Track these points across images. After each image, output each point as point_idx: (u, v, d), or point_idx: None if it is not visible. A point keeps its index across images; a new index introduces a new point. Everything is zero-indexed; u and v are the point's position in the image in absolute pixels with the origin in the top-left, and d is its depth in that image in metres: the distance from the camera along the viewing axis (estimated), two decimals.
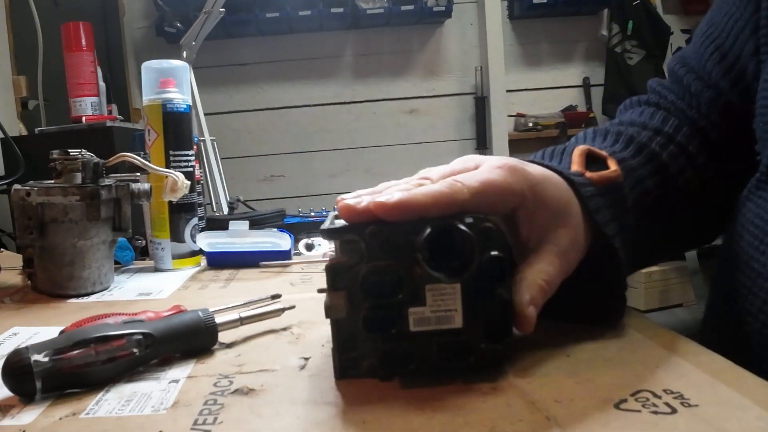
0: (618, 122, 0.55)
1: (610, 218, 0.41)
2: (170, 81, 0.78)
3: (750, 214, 0.47)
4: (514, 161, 0.39)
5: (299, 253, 0.83)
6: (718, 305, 0.53)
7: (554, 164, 0.43)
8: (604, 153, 0.46)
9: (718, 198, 0.52)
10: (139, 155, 0.71)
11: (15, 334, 0.50)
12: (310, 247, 0.83)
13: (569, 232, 0.39)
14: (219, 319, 0.44)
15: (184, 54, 1.33)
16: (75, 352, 0.36)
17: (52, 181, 0.66)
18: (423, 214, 0.34)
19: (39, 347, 0.36)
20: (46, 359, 0.35)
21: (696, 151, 0.51)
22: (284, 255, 0.77)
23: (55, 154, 0.65)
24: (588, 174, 0.43)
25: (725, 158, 0.52)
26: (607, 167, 0.44)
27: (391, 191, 0.36)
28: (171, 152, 0.77)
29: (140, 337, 0.39)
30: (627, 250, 0.41)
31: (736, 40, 0.49)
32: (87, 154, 0.66)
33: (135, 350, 0.38)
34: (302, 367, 0.40)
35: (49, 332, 0.47)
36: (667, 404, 0.31)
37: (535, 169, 0.39)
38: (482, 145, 2.69)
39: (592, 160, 0.45)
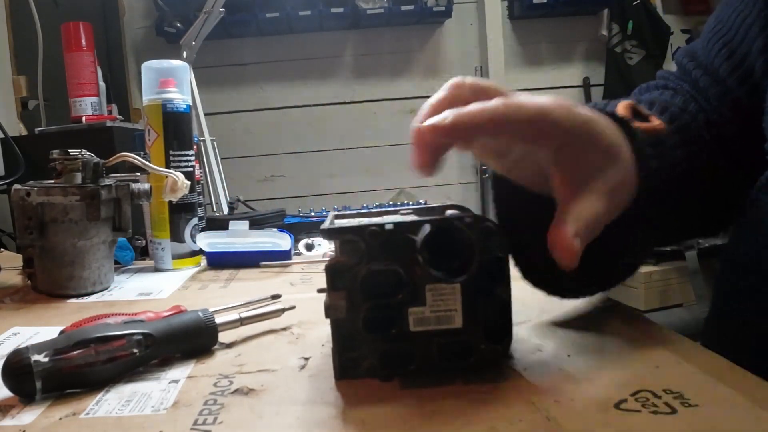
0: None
1: (657, 169, 0.40)
2: (170, 81, 0.78)
3: (759, 213, 0.46)
4: (563, 99, 0.37)
5: (299, 253, 0.83)
6: (722, 305, 0.53)
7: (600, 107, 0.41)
8: (646, 111, 0.45)
9: (726, 191, 0.51)
10: (139, 155, 0.71)
11: (15, 334, 0.50)
12: (310, 247, 0.83)
13: (618, 172, 0.37)
14: (219, 319, 0.44)
15: (184, 54, 1.33)
16: (75, 352, 0.36)
17: (52, 181, 0.66)
18: (479, 132, 0.34)
19: (39, 347, 0.36)
20: (46, 359, 0.35)
21: (710, 138, 0.50)
22: (284, 255, 0.77)
23: (55, 154, 0.65)
24: (636, 123, 0.41)
25: (735, 153, 0.51)
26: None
27: (447, 112, 0.34)
28: (171, 152, 0.77)
29: (140, 337, 0.39)
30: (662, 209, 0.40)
31: (745, 37, 0.49)
32: (87, 154, 0.66)
33: (135, 350, 0.38)
34: (302, 367, 0.40)
35: (49, 332, 0.47)
36: (667, 404, 0.31)
37: (584, 109, 0.38)
38: None
39: (636, 115, 0.44)
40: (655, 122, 0.43)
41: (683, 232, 0.55)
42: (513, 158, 0.40)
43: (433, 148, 0.35)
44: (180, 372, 0.40)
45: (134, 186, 0.69)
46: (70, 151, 0.65)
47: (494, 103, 0.34)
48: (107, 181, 0.68)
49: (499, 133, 0.35)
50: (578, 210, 0.35)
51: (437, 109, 0.36)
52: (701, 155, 0.48)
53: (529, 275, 0.45)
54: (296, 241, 0.84)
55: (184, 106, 0.79)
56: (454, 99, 0.37)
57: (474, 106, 0.34)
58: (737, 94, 0.50)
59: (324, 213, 1.34)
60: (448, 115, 0.34)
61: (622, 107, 0.44)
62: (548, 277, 0.44)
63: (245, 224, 0.83)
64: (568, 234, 0.34)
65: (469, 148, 0.41)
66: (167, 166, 0.76)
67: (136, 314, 0.46)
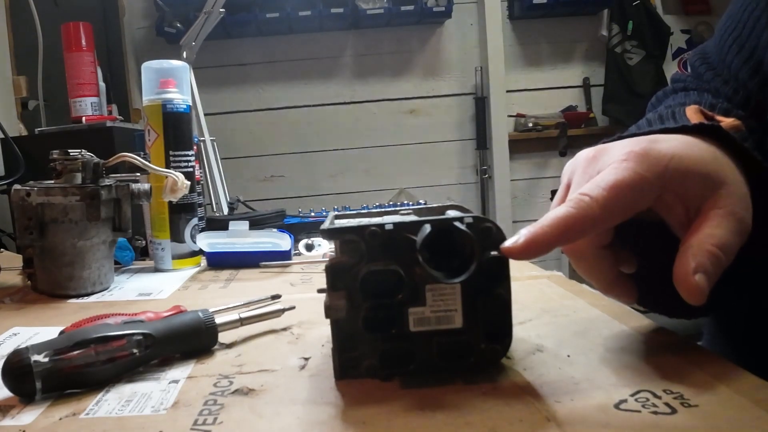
0: (666, 106, 0.52)
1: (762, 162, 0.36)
2: (170, 81, 0.78)
3: None
4: (638, 146, 0.34)
5: (299, 254, 0.83)
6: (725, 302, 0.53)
7: (672, 125, 0.38)
8: (710, 112, 0.43)
9: None
10: (139, 155, 0.71)
11: (15, 334, 0.50)
12: (310, 248, 0.83)
13: (730, 189, 0.33)
14: (219, 319, 0.44)
15: (184, 54, 1.33)
16: (75, 352, 0.36)
17: (52, 181, 0.66)
18: (556, 245, 0.32)
19: (39, 347, 0.36)
20: (46, 359, 0.35)
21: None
22: (284, 255, 0.77)
23: (55, 154, 0.65)
24: (720, 119, 0.39)
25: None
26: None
27: (521, 232, 0.33)
28: (171, 152, 0.77)
29: (140, 337, 0.39)
30: None
31: (753, 30, 0.49)
32: (87, 154, 0.66)
33: (135, 351, 0.38)
34: (302, 367, 0.40)
35: (49, 332, 0.47)
36: (667, 404, 0.31)
37: (663, 143, 0.34)
38: (482, 146, 2.69)
39: (707, 119, 0.41)
40: (729, 119, 0.41)
41: None
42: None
43: (522, 258, 0.33)
44: (180, 372, 0.40)
45: (134, 186, 0.69)
46: (70, 151, 0.65)
47: (563, 209, 0.32)
48: (107, 181, 0.68)
49: (583, 235, 0.33)
50: (698, 242, 0.32)
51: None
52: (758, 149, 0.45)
53: (648, 303, 0.42)
54: (296, 241, 0.84)
55: (184, 107, 0.79)
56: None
57: (545, 220, 0.32)
58: (749, 89, 0.50)
59: (324, 213, 1.34)
60: (520, 237, 0.33)
61: (692, 112, 0.41)
62: (671, 304, 0.41)
63: (245, 224, 0.83)
64: (689, 271, 0.31)
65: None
66: (167, 167, 0.76)
67: (136, 314, 0.46)
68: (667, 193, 0.33)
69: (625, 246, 0.38)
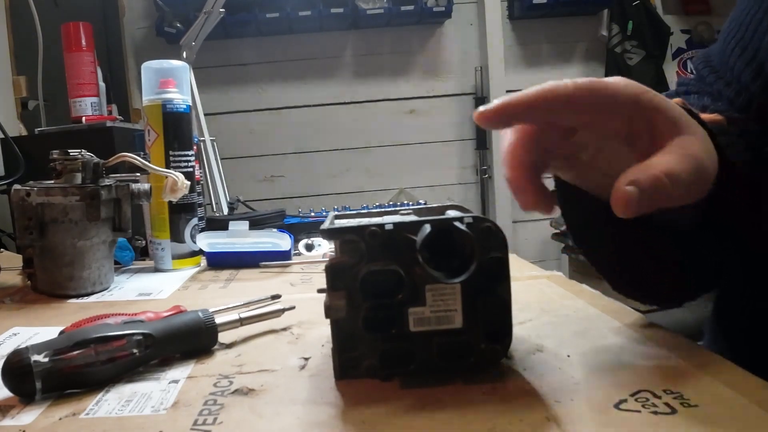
0: None
1: (731, 154, 0.38)
2: (170, 81, 0.78)
3: None
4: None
5: (299, 254, 0.83)
6: (727, 301, 0.53)
7: None
8: (694, 110, 0.45)
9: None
10: (139, 155, 0.71)
11: (15, 334, 0.50)
12: (310, 248, 0.83)
13: (698, 140, 0.34)
14: (219, 319, 0.44)
15: (184, 54, 1.32)
16: (75, 352, 0.36)
17: (52, 181, 0.66)
18: (528, 107, 0.34)
19: (39, 347, 0.36)
20: (46, 359, 0.35)
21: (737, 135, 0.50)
22: (284, 255, 0.77)
23: (55, 154, 0.65)
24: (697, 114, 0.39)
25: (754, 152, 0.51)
26: None
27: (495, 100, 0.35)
28: (171, 152, 0.77)
29: (140, 337, 0.39)
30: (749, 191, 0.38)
31: (755, 33, 0.50)
32: (87, 154, 0.66)
33: (135, 351, 0.38)
34: (302, 367, 0.40)
35: (49, 332, 0.47)
36: (667, 404, 0.31)
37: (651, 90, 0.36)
38: (482, 146, 2.69)
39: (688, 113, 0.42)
40: (710, 115, 0.41)
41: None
42: (585, 158, 0.39)
43: (494, 125, 0.35)
44: (180, 372, 0.40)
45: (134, 186, 0.69)
46: (70, 151, 0.65)
47: (546, 83, 0.34)
48: (107, 181, 0.68)
49: (555, 109, 0.34)
50: (647, 163, 0.33)
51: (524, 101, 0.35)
52: (751, 150, 0.45)
53: (618, 286, 0.44)
54: (296, 241, 0.84)
55: (184, 106, 0.79)
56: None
57: (519, 93, 0.34)
58: (752, 91, 0.51)
59: (324, 213, 1.34)
60: (493, 103, 0.34)
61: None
62: (634, 285, 0.44)
63: (245, 224, 0.83)
64: (623, 180, 0.32)
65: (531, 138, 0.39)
66: (167, 167, 0.76)
67: (136, 314, 0.46)
68: (638, 120, 0.35)
69: (600, 231, 0.39)
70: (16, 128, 1.50)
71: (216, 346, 0.44)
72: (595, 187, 0.40)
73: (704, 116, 0.40)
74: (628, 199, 0.31)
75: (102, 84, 1.29)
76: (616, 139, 0.36)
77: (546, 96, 0.33)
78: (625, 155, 0.36)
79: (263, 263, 0.76)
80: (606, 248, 0.43)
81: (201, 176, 1.12)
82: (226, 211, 1.37)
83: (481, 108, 0.34)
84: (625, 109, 0.34)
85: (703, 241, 0.41)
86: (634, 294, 0.45)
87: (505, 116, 0.34)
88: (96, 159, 0.67)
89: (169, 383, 0.38)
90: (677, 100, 0.43)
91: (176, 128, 0.78)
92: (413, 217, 0.38)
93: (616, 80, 0.35)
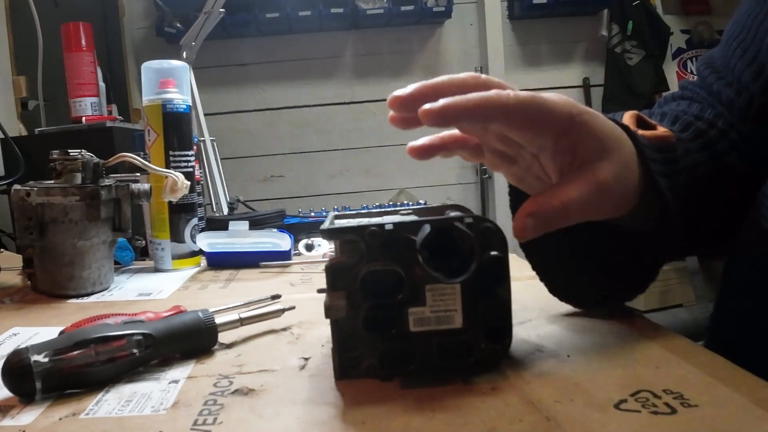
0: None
1: (662, 174, 0.40)
2: (170, 81, 0.78)
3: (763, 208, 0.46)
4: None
5: (299, 254, 0.83)
6: (729, 301, 0.53)
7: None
8: (653, 121, 0.45)
9: (749, 190, 0.51)
10: (139, 155, 0.71)
11: (15, 335, 0.50)
12: (310, 248, 0.83)
13: (612, 166, 0.37)
14: (219, 319, 0.44)
15: (184, 54, 1.32)
16: (75, 352, 0.36)
17: (52, 181, 0.66)
18: (465, 116, 0.34)
19: (39, 347, 0.36)
20: (46, 360, 0.35)
21: (730, 140, 0.50)
22: (284, 255, 0.77)
23: (55, 154, 0.65)
24: (641, 132, 0.42)
25: (751, 154, 0.52)
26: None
27: (441, 101, 0.35)
28: (171, 152, 0.77)
29: (140, 337, 0.39)
30: (675, 213, 0.40)
31: (756, 34, 0.50)
32: (87, 155, 0.66)
33: (135, 351, 0.38)
34: (302, 367, 0.40)
35: (49, 332, 0.47)
36: (667, 404, 0.31)
37: (593, 111, 0.38)
38: None
39: (642, 125, 0.44)
40: (660, 130, 0.43)
41: (709, 237, 0.54)
42: (523, 165, 0.41)
43: (432, 123, 0.35)
44: (180, 372, 0.40)
45: (134, 186, 0.69)
46: (70, 151, 0.65)
47: (491, 91, 0.35)
48: (107, 182, 0.68)
49: (490, 118, 0.35)
50: (550, 194, 0.36)
51: (435, 88, 0.36)
52: (725, 159, 0.48)
53: (553, 290, 0.47)
54: (296, 241, 0.84)
55: (184, 107, 0.79)
56: (458, 85, 0.37)
57: (465, 95, 0.35)
58: (752, 91, 0.51)
59: (324, 213, 1.34)
60: (438, 102, 0.34)
61: (627, 116, 0.44)
62: (571, 291, 0.46)
63: (245, 224, 0.83)
64: (525, 211, 0.35)
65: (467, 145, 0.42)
66: (167, 167, 0.76)
67: (136, 314, 0.46)
68: (565, 138, 0.36)
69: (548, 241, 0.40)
70: (16, 128, 1.50)
71: (216, 346, 0.44)
72: (533, 190, 0.42)
73: (651, 134, 0.42)
74: (525, 228, 0.35)
75: (102, 84, 1.29)
76: (546, 152, 0.38)
77: (486, 104, 0.34)
78: (552, 169, 0.38)
79: (263, 263, 0.76)
80: (542, 250, 0.46)
81: (201, 176, 1.12)
82: (226, 211, 1.37)
83: (427, 106, 0.34)
84: (557, 127, 0.36)
85: (653, 244, 0.43)
86: (567, 298, 0.47)
87: (445, 118, 0.34)
88: (96, 159, 0.67)
89: (169, 383, 0.38)
90: (631, 112, 0.46)
91: (176, 128, 0.78)
92: (413, 217, 0.38)
93: (555, 99, 0.36)
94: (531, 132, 0.36)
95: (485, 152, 0.43)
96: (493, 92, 0.35)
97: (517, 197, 0.45)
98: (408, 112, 0.36)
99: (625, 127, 0.40)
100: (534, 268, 0.47)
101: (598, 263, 0.45)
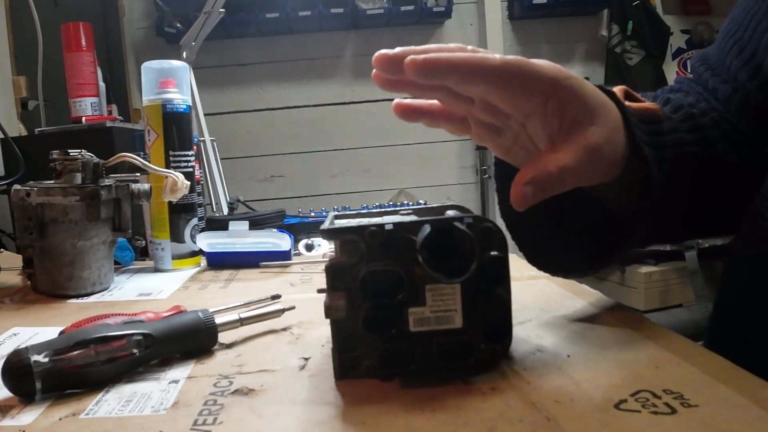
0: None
1: (646, 143, 0.40)
2: (170, 81, 0.78)
3: (762, 208, 0.46)
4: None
5: (299, 254, 0.83)
6: (728, 301, 0.53)
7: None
8: (639, 96, 0.46)
9: (741, 188, 0.51)
10: (139, 155, 0.71)
11: (15, 335, 0.50)
12: (310, 248, 0.83)
13: (603, 130, 0.37)
14: (219, 319, 0.44)
15: (184, 54, 1.32)
16: (75, 352, 0.36)
17: (52, 182, 0.66)
18: (451, 71, 0.34)
19: (39, 348, 0.36)
20: (46, 360, 0.35)
21: (722, 134, 0.50)
22: (284, 255, 0.77)
23: (55, 154, 0.65)
24: (628, 103, 0.42)
25: (747, 150, 0.52)
26: None
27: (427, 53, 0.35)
28: (171, 152, 0.77)
29: (140, 337, 0.39)
30: (659, 188, 0.40)
31: (754, 33, 0.50)
32: (87, 155, 0.66)
33: (135, 351, 0.38)
34: (302, 368, 0.40)
35: (49, 332, 0.47)
36: (667, 404, 0.31)
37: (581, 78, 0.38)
38: (482, 146, 2.69)
39: (630, 99, 0.45)
40: (648, 103, 0.43)
41: (697, 227, 0.55)
42: (510, 136, 0.41)
43: (396, 82, 0.36)
44: (180, 372, 0.40)
45: (134, 186, 0.69)
46: (70, 151, 0.65)
47: (477, 53, 0.35)
48: (107, 182, 0.68)
49: (477, 77, 0.35)
50: (545, 160, 0.36)
51: (424, 51, 0.36)
52: (715, 147, 0.48)
53: (532, 258, 0.47)
54: (296, 241, 0.84)
55: (184, 107, 0.79)
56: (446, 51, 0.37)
57: (453, 53, 0.35)
58: (749, 90, 0.51)
59: (324, 213, 1.34)
60: (429, 54, 0.34)
61: (616, 90, 0.45)
62: (548, 258, 0.47)
63: (245, 224, 0.83)
64: (521, 179, 0.36)
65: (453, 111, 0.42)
66: (167, 167, 0.76)
67: (135, 314, 0.46)
68: (553, 100, 0.36)
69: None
70: (16, 128, 1.50)
71: (216, 346, 0.44)
72: (520, 162, 0.42)
73: (638, 105, 0.42)
74: (524, 196, 0.35)
75: (102, 84, 1.29)
76: (534, 117, 0.38)
77: (472, 61, 0.34)
78: (541, 135, 0.38)
79: (263, 263, 0.76)
80: (526, 220, 0.45)
81: (201, 176, 1.12)
82: (226, 211, 1.37)
83: (414, 56, 0.34)
84: (543, 90, 0.36)
85: (626, 223, 0.43)
86: (547, 266, 0.47)
87: (431, 71, 0.34)
88: (96, 159, 0.67)
89: (169, 383, 0.38)
90: (620, 87, 0.46)
91: (176, 128, 0.78)
92: (413, 217, 0.38)
93: (542, 63, 0.36)
94: (517, 94, 0.36)
95: (471, 124, 0.43)
96: (479, 54, 0.35)
97: (503, 170, 0.45)
98: (393, 74, 0.36)
99: (611, 94, 0.40)
100: (513, 237, 0.47)
101: (570, 232, 0.46)
